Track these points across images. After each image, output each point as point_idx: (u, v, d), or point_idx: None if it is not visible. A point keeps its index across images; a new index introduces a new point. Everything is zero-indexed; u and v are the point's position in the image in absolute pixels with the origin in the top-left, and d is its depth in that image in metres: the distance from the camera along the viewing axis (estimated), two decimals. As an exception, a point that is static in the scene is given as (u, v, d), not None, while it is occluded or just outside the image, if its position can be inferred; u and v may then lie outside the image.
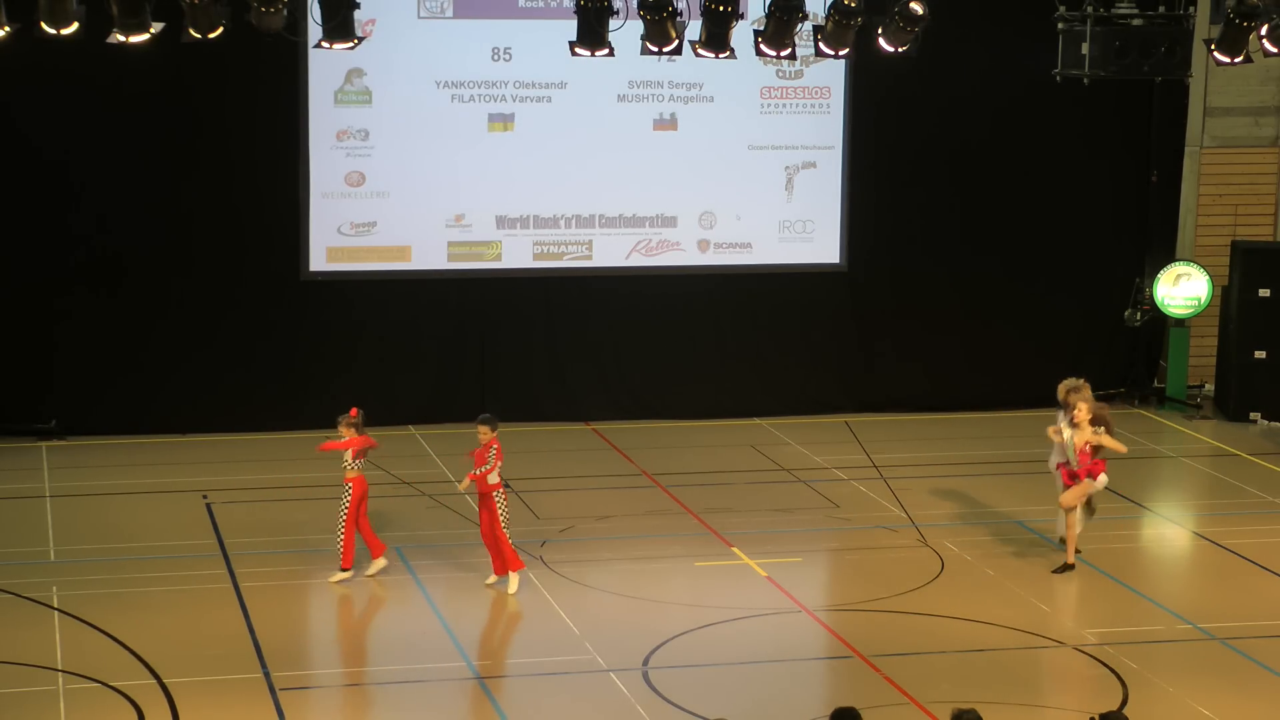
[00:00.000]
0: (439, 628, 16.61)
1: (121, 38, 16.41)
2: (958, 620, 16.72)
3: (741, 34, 17.87)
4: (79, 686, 14.78)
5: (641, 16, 17.41)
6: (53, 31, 16.17)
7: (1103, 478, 18.08)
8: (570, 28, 17.88)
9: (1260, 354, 24.66)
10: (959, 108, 24.28)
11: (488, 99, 23.20)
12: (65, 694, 14.65)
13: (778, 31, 17.54)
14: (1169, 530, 20.07)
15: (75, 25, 16.18)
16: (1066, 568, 18.06)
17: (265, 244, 22.91)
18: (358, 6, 17.25)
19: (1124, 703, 14.67)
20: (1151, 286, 24.89)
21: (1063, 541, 18.28)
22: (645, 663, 15.50)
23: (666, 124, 23.69)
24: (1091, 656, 15.85)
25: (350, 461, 17.28)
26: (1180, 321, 25.13)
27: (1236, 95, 25.57)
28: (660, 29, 17.43)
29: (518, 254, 23.53)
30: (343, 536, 17.26)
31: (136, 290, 22.58)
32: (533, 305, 23.80)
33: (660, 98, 23.61)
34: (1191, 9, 22.98)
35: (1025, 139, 24.57)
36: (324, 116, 22.77)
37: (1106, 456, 18.15)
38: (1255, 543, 19.13)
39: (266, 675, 15.12)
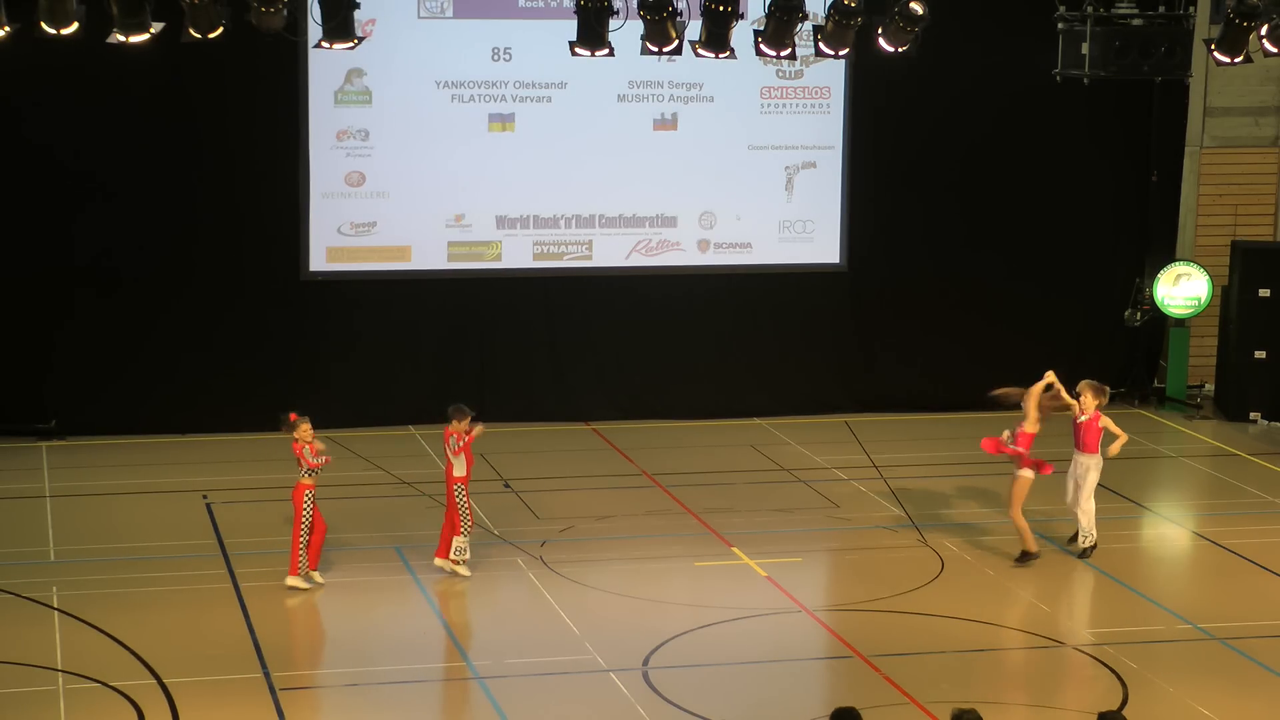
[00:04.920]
0: (439, 628, 16.62)
1: (121, 38, 16.41)
2: (958, 620, 16.72)
3: (741, 34, 17.88)
4: (79, 686, 14.78)
5: (641, 16, 17.42)
6: (53, 31, 16.17)
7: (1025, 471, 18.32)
8: (570, 28, 17.89)
9: (1260, 354, 24.66)
10: (959, 108, 24.28)
11: (488, 99, 23.20)
12: (65, 694, 14.65)
13: (778, 31, 17.54)
14: (1169, 530, 20.07)
15: (75, 25, 16.18)
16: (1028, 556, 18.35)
17: (265, 244, 22.91)
18: (358, 6, 17.25)
19: (1124, 703, 14.67)
20: (1151, 286, 24.90)
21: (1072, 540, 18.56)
22: (645, 663, 15.50)
23: (666, 124, 23.69)
24: (1091, 656, 15.85)
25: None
26: (1180, 321, 25.13)
27: (1236, 95, 25.58)
28: (660, 29, 17.43)
29: (518, 254, 23.53)
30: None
31: (136, 290, 22.59)
32: (533, 305, 23.80)
33: (660, 98, 23.61)
34: (1191, 9, 22.99)
35: (1025, 139, 24.57)
36: (324, 116, 22.77)
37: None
38: (1255, 543, 19.13)
39: (266, 675, 15.12)
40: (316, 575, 17.32)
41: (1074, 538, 18.62)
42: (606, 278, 23.87)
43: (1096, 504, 18.60)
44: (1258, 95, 25.72)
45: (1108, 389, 18.75)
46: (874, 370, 24.72)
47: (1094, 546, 18.41)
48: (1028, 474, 18.14)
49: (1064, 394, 18.35)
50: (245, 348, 22.91)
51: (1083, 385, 18.50)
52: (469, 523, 17.43)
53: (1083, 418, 18.37)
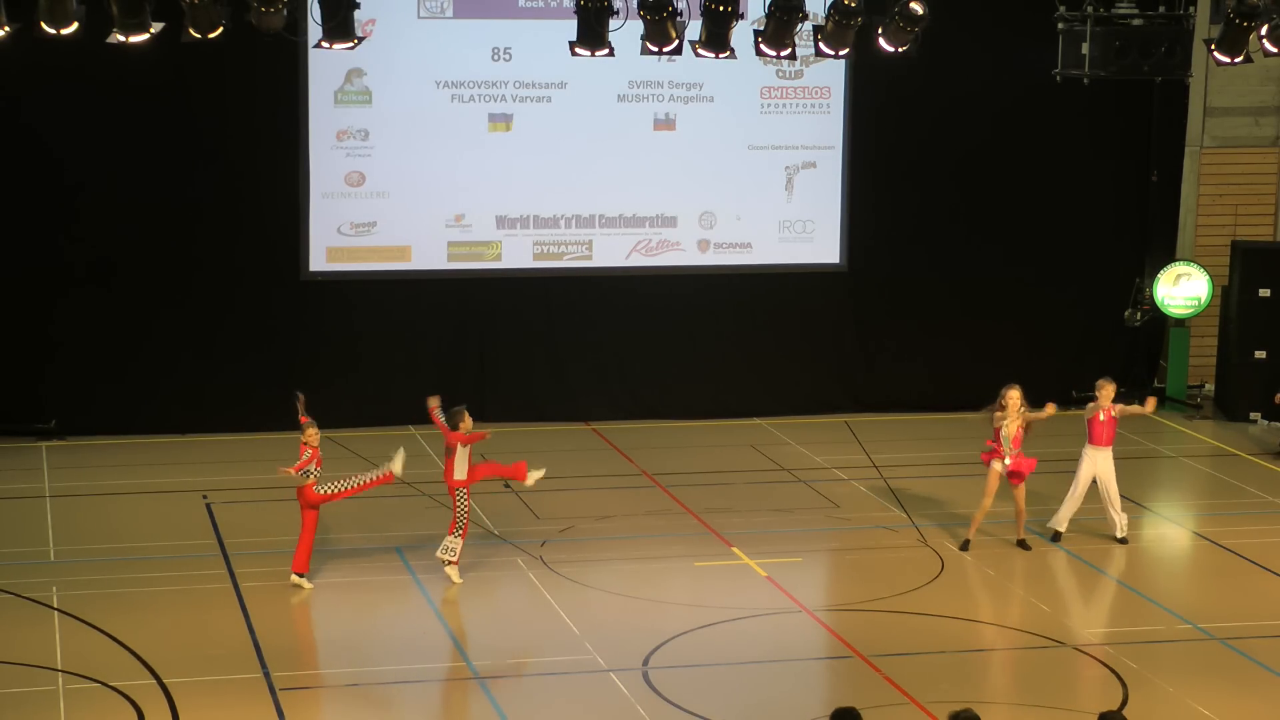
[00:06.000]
0: (439, 628, 16.62)
1: (121, 38, 16.42)
2: (958, 620, 16.72)
3: (741, 34, 17.88)
4: (79, 686, 14.78)
5: (641, 16, 17.42)
6: (53, 31, 16.18)
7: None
8: (570, 28, 17.89)
9: (1260, 354, 24.66)
10: (959, 108, 24.28)
11: (488, 99, 23.21)
12: (65, 694, 14.65)
13: (778, 31, 17.55)
14: (1169, 530, 20.06)
15: (75, 25, 16.19)
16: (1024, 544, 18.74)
17: (265, 244, 22.92)
18: (358, 6, 17.26)
19: (1124, 703, 14.67)
20: (1151, 286, 24.89)
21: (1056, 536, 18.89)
22: (645, 663, 15.50)
23: (666, 124, 23.69)
24: (1091, 656, 15.85)
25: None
26: (1180, 321, 25.13)
27: (1236, 95, 25.58)
28: (660, 29, 17.43)
29: (518, 254, 23.53)
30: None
31: (136, 290, 22.59)
32: (533, 305, 23.81)
33: (660, 98, 23.61)
34: (1191, 9, 22.99)
35: (1025, 139, 24.57)
36: (324, 116, 22.78)
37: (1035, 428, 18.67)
38: (1255, 543, 19.13)
39: (266, 675, 15.12)
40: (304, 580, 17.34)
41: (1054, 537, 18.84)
42: (606, 278, 23.87)
43: (1091, 504, 18.82)
44: (1258, 95, 25.72)
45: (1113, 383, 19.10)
46: (874, 370, 24.72)
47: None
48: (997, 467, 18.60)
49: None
50: (245, 348, 22.91)
51: (1101, 382, 18.76)
52: (464, 527, 17.40)
53: (1101, 416, 18.65)
